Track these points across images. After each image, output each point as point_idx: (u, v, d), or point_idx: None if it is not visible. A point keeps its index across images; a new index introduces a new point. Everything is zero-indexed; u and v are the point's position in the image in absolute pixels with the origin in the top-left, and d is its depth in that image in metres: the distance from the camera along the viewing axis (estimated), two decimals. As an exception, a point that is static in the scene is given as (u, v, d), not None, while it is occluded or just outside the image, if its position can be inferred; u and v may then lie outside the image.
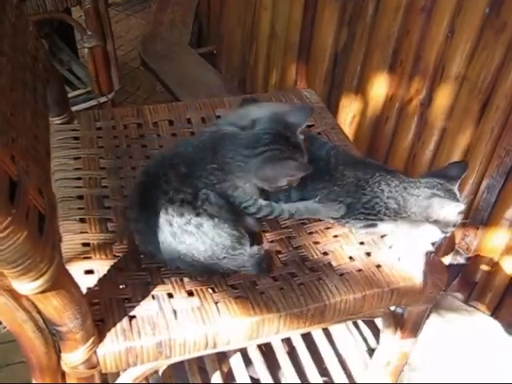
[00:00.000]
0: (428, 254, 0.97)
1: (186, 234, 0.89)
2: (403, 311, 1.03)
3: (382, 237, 1.01)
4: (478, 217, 1.68)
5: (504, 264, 1.66)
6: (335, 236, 1.01)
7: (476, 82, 1.54)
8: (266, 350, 1.37)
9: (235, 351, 1.33)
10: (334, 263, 0.96)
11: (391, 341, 1.07)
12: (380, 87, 1.79)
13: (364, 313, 0.95)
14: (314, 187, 1.00)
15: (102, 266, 0.91)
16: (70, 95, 1.88)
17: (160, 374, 1.21)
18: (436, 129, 1.69)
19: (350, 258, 0.98)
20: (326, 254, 0.98)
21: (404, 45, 1.69)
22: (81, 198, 1.03)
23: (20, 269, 0.62)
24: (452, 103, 1.62)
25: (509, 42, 1.43)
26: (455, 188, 1.02)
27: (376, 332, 1.48)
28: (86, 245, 0.95)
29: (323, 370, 1.36)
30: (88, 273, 0.90)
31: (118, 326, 0.82)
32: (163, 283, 0.90)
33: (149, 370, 0.88)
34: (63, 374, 0.81)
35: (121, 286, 0.89)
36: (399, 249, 0.99)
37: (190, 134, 1.20)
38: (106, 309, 0.85)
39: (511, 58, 1.44)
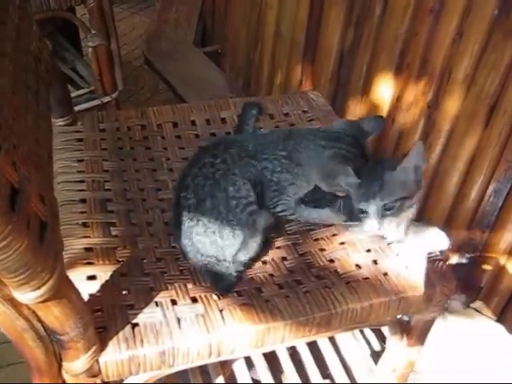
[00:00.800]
0: (437, 262, 0.96)
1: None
2: (410, 319, 1.02)
3: (389, 244, 1.00)
4: (485, 221, 1.66)
5: (510, 268, 1.64)
6: (342, 243, 1.00)
7: (484, 86, 1.51)
8: (269, 354, 1.35)
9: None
10: (340, 271, 0.94)
11: (397, 348, 1.05)
12: (386, 89, 1.77)
13: (371, 321, 0.93)
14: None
15: (104, 271, 0.90)
16: (72, 94, 1.85)
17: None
18: (443, 131, 1.67)
19: (357, 265, 0.96)
20: (332, 261, 0.96)
21: (411, 46, 1.67)
22: (83, 201, 1.01)
23: (21, 278, 0.61)
24: (459, 106, 1.60)
25: (517, 45, 1.41)
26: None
27: (380, 336, 1.47)
28: (88, 250, 0.93)
29: (326, 375, 1.34)
30: (90, 278, 0.89)
31: (121, 334, 0.81)
32: (167, 289, 0.89)
33: (151, 379, 0.86)
34: (64, 382, 0.79)
35: (124, 292, 0.88)
36: (406, 257, 0.97)
37: (195, 136, 1.18)
38: (108, 316, 0.83)
39: (519, 62, 1.42)
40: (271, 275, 0.93)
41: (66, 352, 0.75)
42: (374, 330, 1.50)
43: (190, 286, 0.90)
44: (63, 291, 0.67)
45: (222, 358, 0.87)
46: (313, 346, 1.39)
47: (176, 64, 2.59)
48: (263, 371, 1.33)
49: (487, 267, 1.71)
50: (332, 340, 1.40)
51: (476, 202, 1.66)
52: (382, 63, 1.76)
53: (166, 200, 1.04)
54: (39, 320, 0.70)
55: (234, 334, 0.84)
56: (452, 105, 1.61)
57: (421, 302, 0.94)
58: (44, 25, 2.05)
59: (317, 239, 1.00)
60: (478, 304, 1.75)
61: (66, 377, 0.78)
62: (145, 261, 0.93)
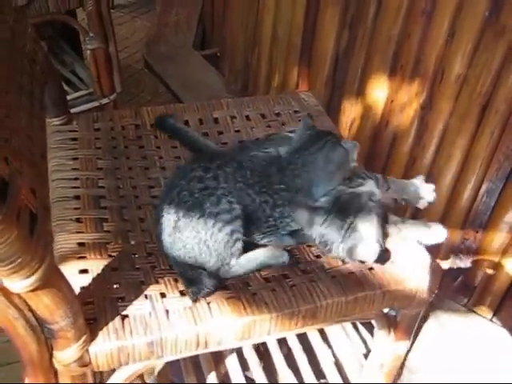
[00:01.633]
0: (422, 256, 0.98)
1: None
2: (396, 313, 1.04)
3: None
4: (478, 220, 1.67)
5: (503, 268, 1.66)
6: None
7: (476, 86, 1.54)
8: (263, 352, 1.37)
9: (231, 352, 1.34)
10: (326, 266, 0.96)
11: (385, 343, 1.07)
12: (380, 90, 1.79)
13: (356, 315, 0.95)
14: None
15: (96, 265, 0.92)
16: (71, 96, 1.89)
17: (156, 373, 1.22)
18: (436, 132, 1.69)
19: (343, 261, 0.98)
20: (318, 256, 0.99)
21: (404, 48, 1.69)
22: (77, 198, 1.04)
23: (11, 267, 0.63)
24: (452, 106, 1.62)
25: (508, 46, 1.43)
26: None
27: (371, 333, 1.48)
28: (81, 244, 0.96)
29: (319, 372, 1.36)
30: (82, 272, 0.91)
31: (111, 324, 0.83)
32: (157, 283, 0.91)
33: (141, 369, 0.88)
34: (55, 372, 0.82)
35: (115, 286, 0.90)
36: (393, 251, 1.00)
37: (188, 135, 1.21)
38: (99, 308, 0.86)
39: (510, 62, 1.44)
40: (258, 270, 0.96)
41: (57, 341, 0.78)
42: (367, 329, 1.52)
43: (179, 279, 0.93)
44: (53, 281, 0.70)
45: (210, 350, 0.89)
46: (305, 345, 1.41)
47: (175, 67, 2.61)
48: (256, 370, 1.34)
49: (481, 267, 1.72)
50: (324, 336, 1.42)
51: (469, 202, 1.67)
52: (376, 65, 1.78)
53: (157, 197, 1.06)
54: (30, 309, 0.73)
55: (221, 325, 0.86)
56: (445, 105, 1.63)
57: (405, 296, 0.96)
58: (44, 28, 2.09)
59: (304, 235, 1.02)
60: (472, 304, 1.77)
61: (57, 366, 0.81)
62: (136, 255, 0.96)
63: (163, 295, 0.89)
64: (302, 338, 1.40)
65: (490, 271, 1.70)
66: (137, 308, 0.86)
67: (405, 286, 0.95)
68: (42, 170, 0.88)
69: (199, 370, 1.33)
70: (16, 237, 0.61)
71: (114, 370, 0.87)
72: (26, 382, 0.83)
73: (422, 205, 1.05)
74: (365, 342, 1.46)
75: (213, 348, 0.89)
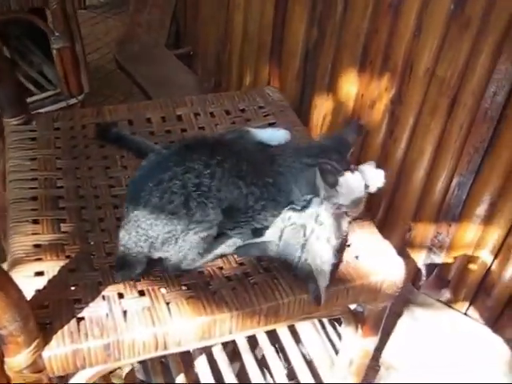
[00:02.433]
0: (386, 250, 0.97)
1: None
2: (363, 309, 1.03)
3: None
4: (450, 214, 1.67)
5: (477, 260, 1.66)
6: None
7: (444, 79, 1.53)
8: (232, 350, 1.36)
9: (200, 353, 1.32)
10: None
11: (352, 339, 1.06)
12: (351, 86, 1.78)
13: (321, 312, 0.94)
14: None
15: (52, 267, 0.90)
16: (38, 97, 1.86)
17: (123, 376, 1.19)
18: (407, 126, 1.68)
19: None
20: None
21: (373, 43, 1.68)
22: (35, 199, 1.01)
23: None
24: (422, 100, 1.62)
25: (474, 38, 1.43)
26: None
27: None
28: (37, 246, 0.93)
29: (290, 370, 1.35)
30: (38, 274, 0.89)
31: (65, 328, 0.81)
32: (115, 283, 0.89)
33: (100, 372, 0.86)
34: (8, 379, 0.79)
35: (72, 288, 0.88)
36: (357, 246, 0.98)
37: (150, 133, 1.19)
38: (54, 311, 0.83)
39: (476, 54, 1.44)
40: (220, 268, 0.94)
41: (7, 347, 0.75)
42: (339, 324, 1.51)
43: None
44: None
45: (171, 351, 0.87)
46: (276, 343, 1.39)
47: (148, 67, 2.58)
48: (225, 369, 1.33)
49: (455, 260, 1.72)
50: (295, 334, 1.40)
51: (441, 196, 1.67)
52: (345, 60, 1.77)
53: (119, 196, 1.04)
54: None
55: (180, 326, 0.84)
56: (415, 99, 1.63)
57: (370, 290, 0.95)
58: (11, 28, 2.05)
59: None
60: (446, 297, 1.77)
61: (9, 373, 0.78)
62: (95, 256, 0.93)
63: (121, 296, 0.87)
64: (273, 337, 1.39)
65: (463, 264, 1.70)
66: (93, 310, 0.84)
67: (369, 281, 0.94)
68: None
69: (168, 372, 1.30)
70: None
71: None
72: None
73: (371, 190, 1.02)
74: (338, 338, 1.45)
75: (173, 349, 0.87)
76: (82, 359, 0.80)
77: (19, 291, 0.73)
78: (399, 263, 0.97)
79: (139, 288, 0.89)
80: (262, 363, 1.36)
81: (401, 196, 1.76)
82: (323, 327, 1.46)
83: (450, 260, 1.73)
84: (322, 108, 1.91)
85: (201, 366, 1.32)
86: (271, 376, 1.34)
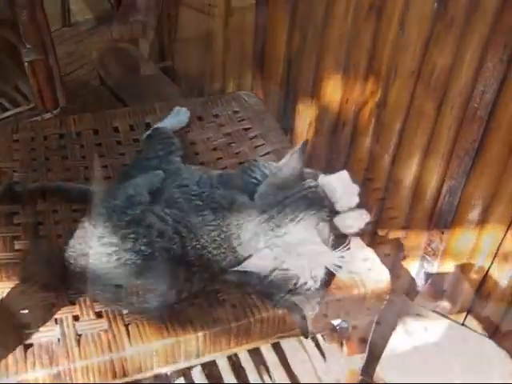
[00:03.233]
0: (367, 259, 0.89)
1: None
2: (347, 324, 0.95)
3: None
4: (442, 220, 1.60)
5: (472, 268, 1.59)
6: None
7: (429, 80, 1.47)
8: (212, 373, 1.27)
9: (178, 375, 1.23)
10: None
11: (337, 357, 0.98)
12: (335, 91, 1.72)
13: (296, 330, 0.86)
14: None
15: (2, 288, 0.82)
16: (12, 112, 1.79)
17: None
18: (394, 130, 1.62)
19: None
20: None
21: (356, 46, 1.62)
22: (-12, 216, 0.94)
23: None
24: (408, 103, 1.55)
25: (458, 38, 1.37)
26: None
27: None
28: (-13, 266, 0.86)
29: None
30: (-14, 298, 0.81)
31: (11, 356, 0.73)
32: (71, 304, 0.81)
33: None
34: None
35: (22, 311, 0.80)
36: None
37: (116, 142, 1.12)
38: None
39: (461, 54, 1.38)
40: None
41: None
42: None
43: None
44: None
45: (130, 378, 0.79)
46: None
47: (131, 81, 2.54)
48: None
49: (449, 269, 1.65)
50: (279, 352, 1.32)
51: (432, 201, 1.60)
52: (328, 65, 1.71)
53: (79, 210, 0.97)
54: None
55: (139, 350, 0.76)
56: (400, 103, 1.57)
57: (353, 303, 0.87)
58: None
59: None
60: (442, 307, 1.70)
61: None
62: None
63: (76, 318, 0.79)
64: (255, 355, 1.30)
65: (459, 272, 1.63)
66: (43, 335, 0.76)
67: (351, 293, 0.86)
68: None
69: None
70: None
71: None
72: None
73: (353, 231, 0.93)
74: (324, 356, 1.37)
75: (134, 376, 0.79)
76: (29, 390, 0.73)
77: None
78: (384, 272, 0.89)
79: (97, 309, 0.81)
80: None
81: (390, 203, 1.69)
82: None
83: (444, 268, 1.66)
84: (306, 115, 1.85)
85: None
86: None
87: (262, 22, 1.91)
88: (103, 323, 0.79)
